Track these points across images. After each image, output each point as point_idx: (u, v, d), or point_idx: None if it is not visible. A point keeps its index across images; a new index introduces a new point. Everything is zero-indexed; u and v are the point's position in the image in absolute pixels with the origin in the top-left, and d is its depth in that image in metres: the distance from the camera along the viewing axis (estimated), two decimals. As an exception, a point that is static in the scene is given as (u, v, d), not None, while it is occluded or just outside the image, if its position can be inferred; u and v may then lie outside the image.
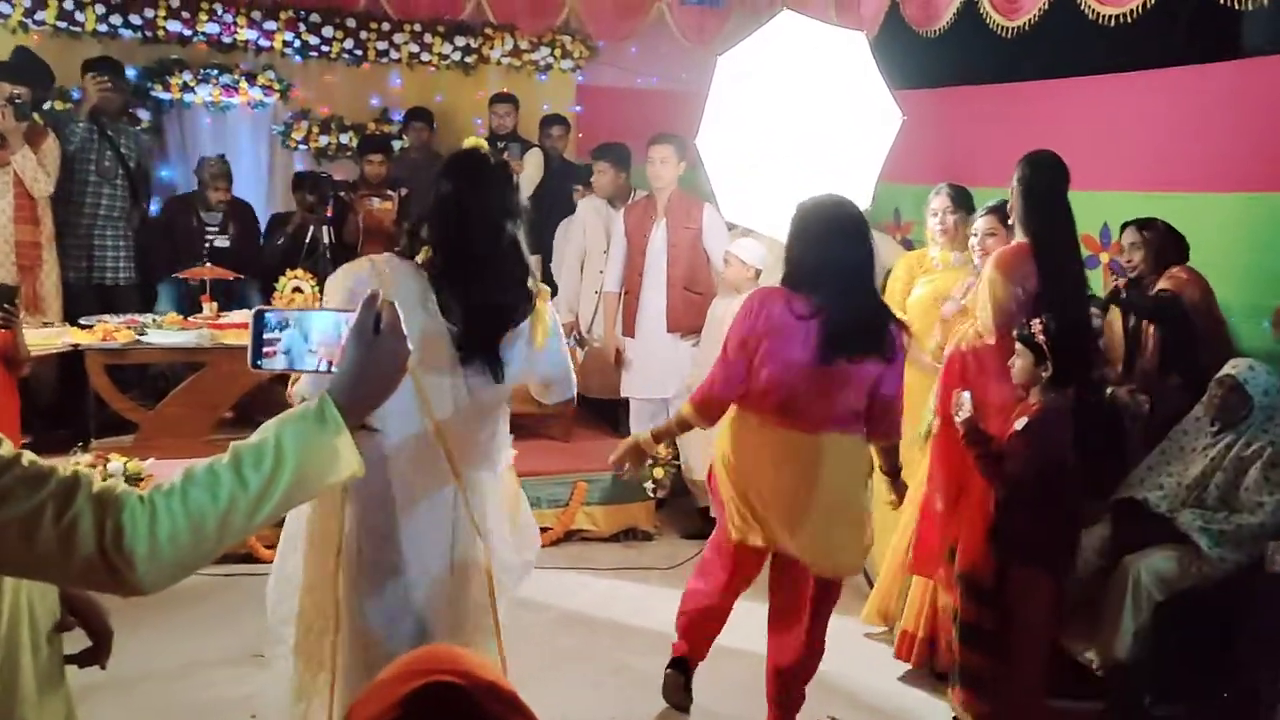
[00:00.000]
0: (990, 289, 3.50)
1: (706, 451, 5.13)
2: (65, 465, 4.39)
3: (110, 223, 5.84)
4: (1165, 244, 4.32)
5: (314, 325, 1.47)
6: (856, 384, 3.19)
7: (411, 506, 2.45)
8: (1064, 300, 3.40)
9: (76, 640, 1.70)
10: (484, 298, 2.40)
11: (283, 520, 2.58)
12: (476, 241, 2.41)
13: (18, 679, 1.42)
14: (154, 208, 6.43)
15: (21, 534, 1.23)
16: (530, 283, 2.50)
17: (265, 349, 1.47)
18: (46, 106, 6.09)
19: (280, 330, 1.47)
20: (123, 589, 1.29)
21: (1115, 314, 4.43)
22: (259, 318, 1.48)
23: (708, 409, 3.31)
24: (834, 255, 3.16)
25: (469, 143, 2.56)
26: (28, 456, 1.27)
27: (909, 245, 5.92)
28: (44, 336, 4.98)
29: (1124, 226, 4.47)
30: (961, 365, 3.58)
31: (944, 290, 4.33)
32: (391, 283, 2.36)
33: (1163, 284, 4.20)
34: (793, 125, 4.54)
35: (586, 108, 7.85)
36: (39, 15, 6.32)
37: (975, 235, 4.07)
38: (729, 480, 3.36)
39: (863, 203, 4.57)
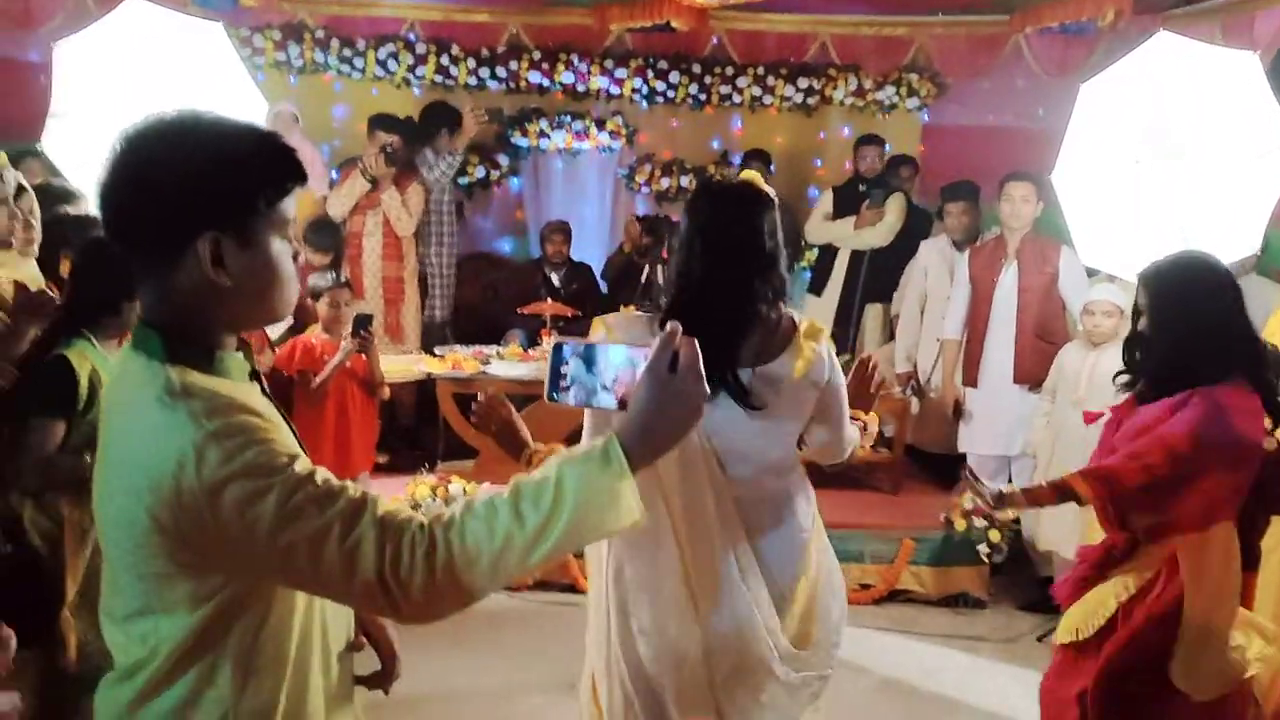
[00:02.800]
0: None
1: (1054, 517, 4.69)
2: (412, 484, 4.77)
3: (450, 259, 6.33)
4: None
5: (610, 361, 1.40)
6: None
7: (649, 570, 2.32)
8: None
9: (368, 661, 1.71)
10: (707, 325, 2.23)
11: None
12: (706, 267, 2.26)
13: (306, 696, 1.43)
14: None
15: (309, 552, 1.23)
16: (784, 313, 2.31)
17: (561, 382, 1.41)
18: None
19: (577, 364, 1.41)
20: (397, 615, 1.26)
21: None
22: (557, 350, 1.42)
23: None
24: (1246, 324, 2.73)
25: (745, 175, 2.44)
26: (321, 474, 1.27)
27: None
28: (404, 364, 5.38)
29: None
30: None
31: None
32: (619, 337, 2.27)
33: None
34: (1168, 160, 4.07)
35: (930, 148, 7.54)
36: (419, 71, 6.92)
37: None
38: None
39: (1250, 247, 4.02)
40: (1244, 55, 4.13)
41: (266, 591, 1.35)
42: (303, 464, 1.27)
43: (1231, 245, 3.73)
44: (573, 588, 4.69)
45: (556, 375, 1.42)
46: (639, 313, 2.37)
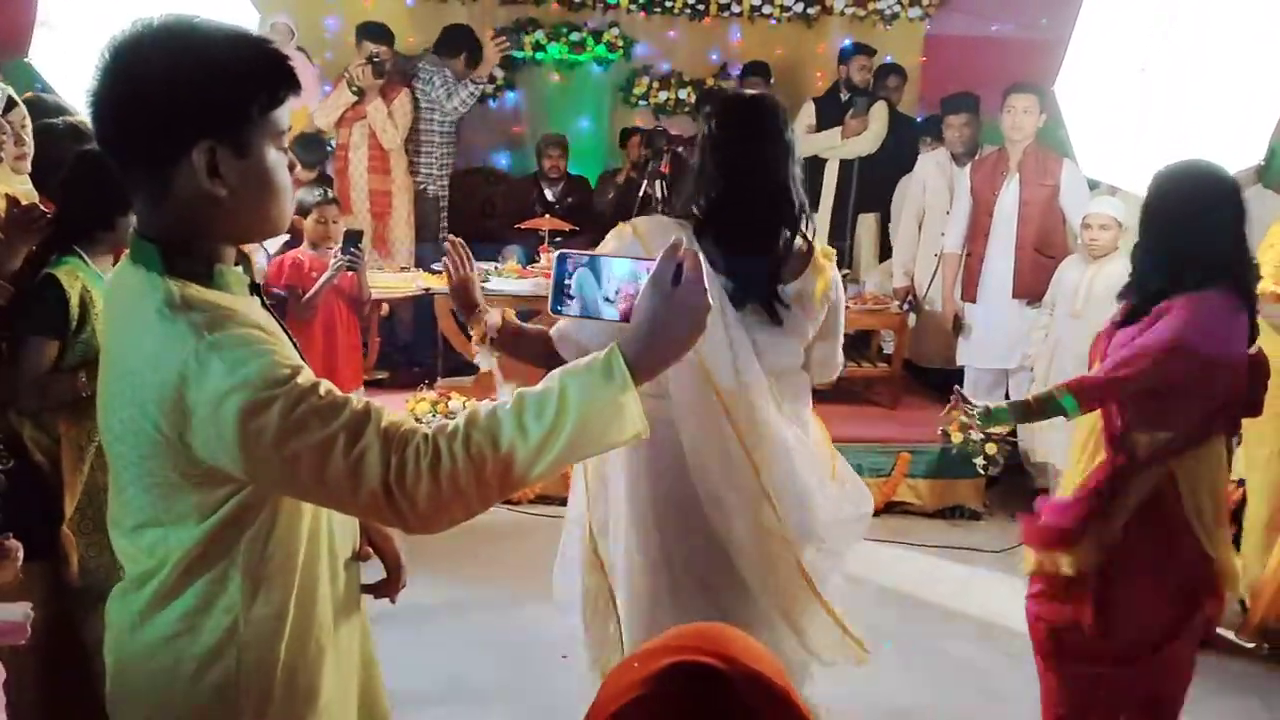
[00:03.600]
0: None
1: (1049, 430, 4.72)
2: (412, 400, 4.78)
3: (445, 175, 6.26)
4: None
5: (613, 273, 1.39)
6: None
7: (706, 474, 2.33)
8: None
9: (374, 571, 1.74)
10: (749, 237, 2.27)
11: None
12: (738, 185, 2.28)
13: (315, 604, 1.45)
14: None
15: (314, 464, 1.23)
16: (805, 230, 2.34)
17: (565, 294, 1.41)
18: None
19: (580, 276, 1.40)
20: (403, 525, 1.27)
21: None
22: (561, 262, 1.41)
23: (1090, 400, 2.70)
24: (1240, 236, 2.67)
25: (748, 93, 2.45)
26: (325, 386, 1.27)
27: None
28: (400, 280, 5.36)
29: None
30: None
31: None
32: (651, 242, 2.25)
33: None
34: (1171, 68, 4.01)
35: (933, 59, 7.42)
36: (414, -19, 6.78)
37: None
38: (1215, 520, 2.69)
39: (1253, 157, 3.99)
40: (1253, -42, 4.04)
41: (274, 501, 1.36)
42: (306, 376, 1.27)
43: (1236, 155, 3.70)
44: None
45: (560, 287, 1.41)
46: (673, 220, 2.36)
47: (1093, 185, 4.94)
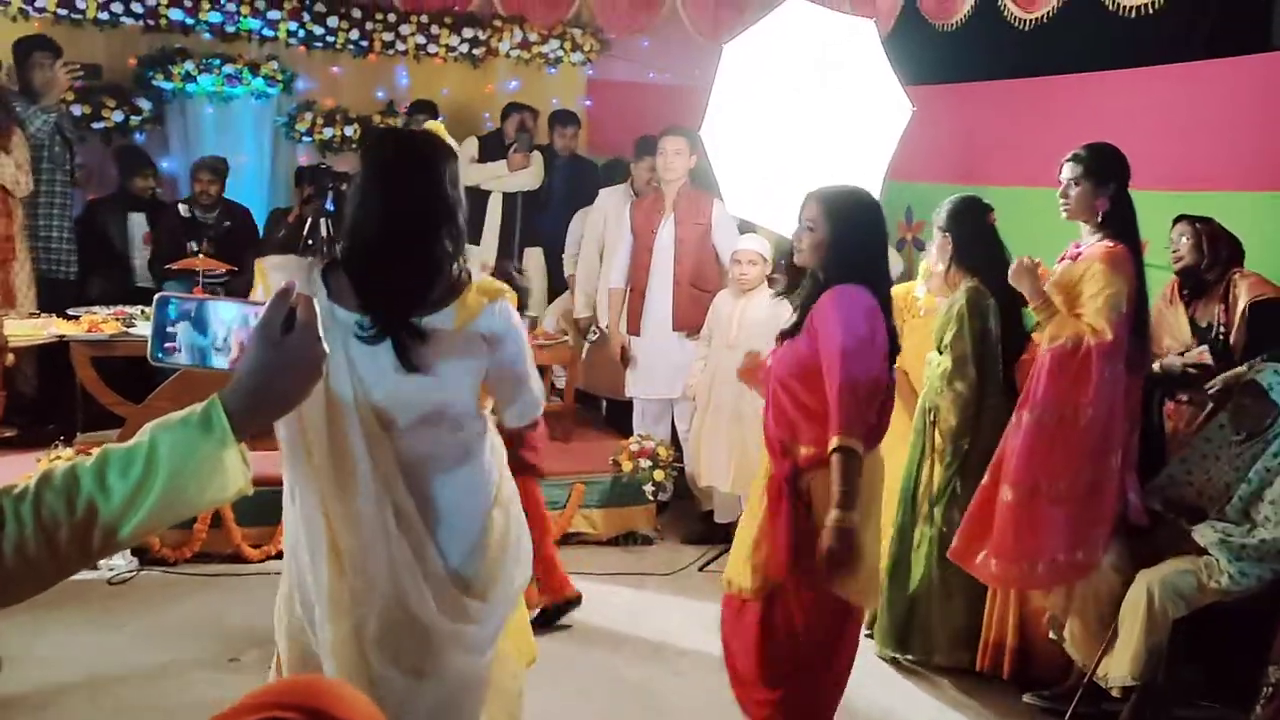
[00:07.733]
0: (1106, 287, 3.38)
1: (712, 455, 5.00)
2: (45, 459, 4.35)
3: (64, 213, 5.73)
4: (1218, 239, 4.11)
5: (221, 318, 1.29)
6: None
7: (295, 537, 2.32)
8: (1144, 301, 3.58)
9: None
10: (385, 277, 2.18)
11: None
12: (379, 223, 2.20)
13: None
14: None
15: None
16: (458, 271, 2.27)
17: (167, 342, 1.30)
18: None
19: (186, 322, 1.30)
20: None
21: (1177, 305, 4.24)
22: (162, 306, 1.30)
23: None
24: (882, 244, 3.01)
25: (428, 125, 2.41)
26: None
27: (920, 245, 5.77)
28: (29, 327, 4.85)
29: (1175, 221, 4.19)
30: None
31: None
32: (272, 283, 2.16)
33: (1256, 290, 4.01)
34: (798, 116, 4.38)
35: (596, 102, 7.71)
36: (39, 2, 6.21)
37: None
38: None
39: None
40: (862, 21, 4.51)
41: None
42: None
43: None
44: (237, 556, 4.49)
45: (162, 334, 1.30)
46: (300, 258, 2.27)
47: (747, 226, 5.26)
